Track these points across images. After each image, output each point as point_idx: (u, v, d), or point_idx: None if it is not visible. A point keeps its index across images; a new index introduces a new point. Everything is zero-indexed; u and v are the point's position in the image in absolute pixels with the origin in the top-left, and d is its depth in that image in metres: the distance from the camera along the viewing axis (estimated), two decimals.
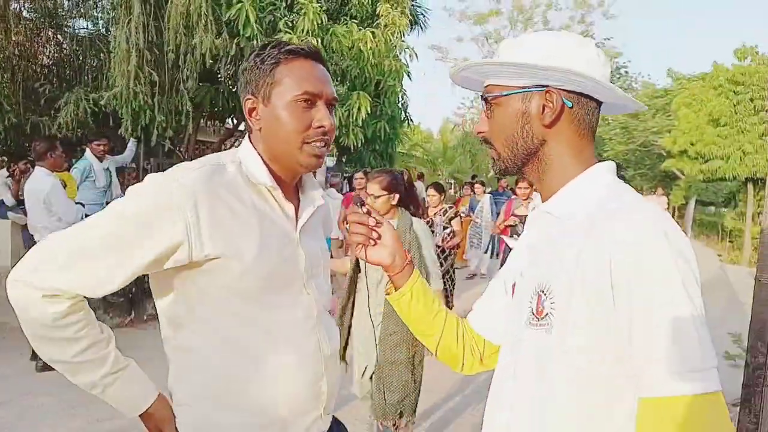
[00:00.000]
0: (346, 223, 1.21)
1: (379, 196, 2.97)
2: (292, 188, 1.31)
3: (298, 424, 1.25)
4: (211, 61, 6.14)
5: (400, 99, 8.71)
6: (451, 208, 6.16)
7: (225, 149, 9.44)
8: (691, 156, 15.70)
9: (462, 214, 9.65)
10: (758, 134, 13.89)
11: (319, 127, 1.20)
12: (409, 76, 8.18)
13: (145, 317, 6.46)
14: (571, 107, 0.99)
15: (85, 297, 1.14)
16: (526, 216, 5.96)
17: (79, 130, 6.66)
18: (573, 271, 0.90)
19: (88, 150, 6.02)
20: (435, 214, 5.99)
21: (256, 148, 1.25)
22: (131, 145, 6.60)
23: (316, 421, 1.29)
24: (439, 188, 6.15)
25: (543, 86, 0.98)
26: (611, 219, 0.88)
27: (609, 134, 26.41)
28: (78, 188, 5.79)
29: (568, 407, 0.91)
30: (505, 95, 1.01)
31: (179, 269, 1.15)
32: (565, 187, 1.00)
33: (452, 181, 23.13)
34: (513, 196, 6.58)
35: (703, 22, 73.40)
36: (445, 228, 5.87)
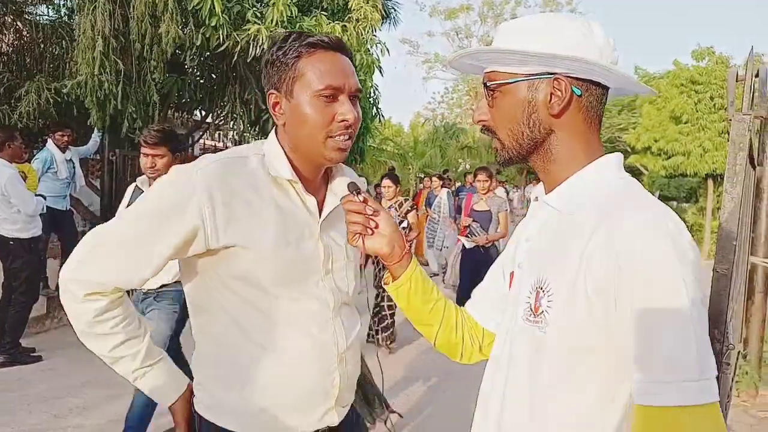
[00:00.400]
0: None
1: None
2: (317, 181, 1.31)
3: (308, 414, 1.27)
4: (178, 52, 6.03)
5: (372, 94, 8.69)
6: (407, 200, 5.89)
7: (193, 141, 9.20)
8: (654, 152, 16.12)
9: (425, 208, 9.43)
10: (718, 132, 14.32)
11: (342, 120, 1.19)
12: (380, 71, 8.17)
13: None
14: (580, 95, 0.94)
15: (124, 293, 1.24)
16: (485, 211, 5.73)
17: (40, 120, 6.46)
18: (576, 271, 0.87)
19: (49, 141, 5.86)
20: (390, 207, 5.67)
21: (280, 142, 1.26)
22: (95, 135, 6.44)
23: (328, 412, 1.29)
24: (394, 179, 5.83)
25: (551, 74, 0.93)
26: (615, 218, 0.85)
27: None
28: (39, 180, 5.63)
29: (561, 406, 0.90)
30: (511, 83, 0.96)
31: (200, 256, 1.20)
32: (570, 179, 0.96)
33: (422, 175, 23.21)
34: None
35: (666, 19, 75.24)
36: (400, 223, 5.56)
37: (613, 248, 0.83)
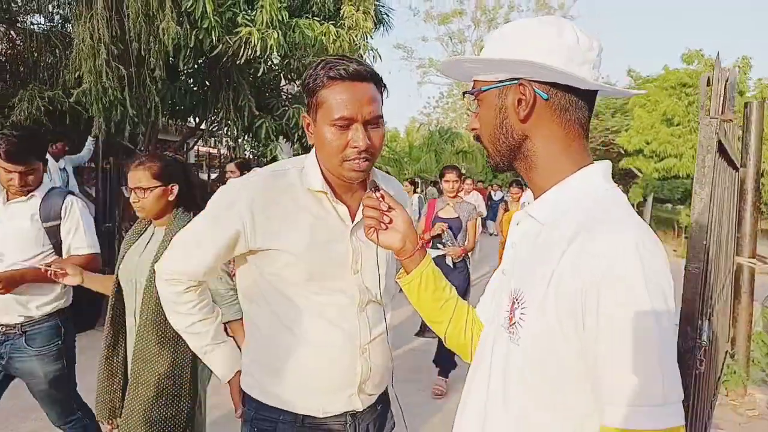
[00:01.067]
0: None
1: (148, 188, 2.11)
2: (351, 191, 1.45)
3: (332, 399, 1.43)
4: (172, 59, 6.05)
5: None
6: None
7: (188, 148, 9.17)
8: (646, 155, 16.24)
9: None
10: None
11: (355, 147, 1.32)
12: None
13: None
14: (547, 99, 0.94)
15: (200, 282, 1.52)
16: (453, 219, 4.81)
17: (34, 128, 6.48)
18: (546, 289, 0.87)
19: None
20: None
21: (317, 157, 1.42)
22: (89, 143, 6.47)
23: (352, 398, 1.44)
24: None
25: (515, 79, 0.95)
26: (589, 238, 0.84)
27: None
28: None
29: (531, 419, 0.91)
30: (484, 90, 1.00)
31: (246, 254, 1.42)
32: (552, 189, 0.96)
33: (419, 180, 23.29)
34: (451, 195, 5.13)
35: (655, 23, 75.71)
36: None
37: (583, 269, 0.83)
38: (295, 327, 1.39)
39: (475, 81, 1.03)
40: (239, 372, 1.60)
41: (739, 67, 17.20)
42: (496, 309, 1.04)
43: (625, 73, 23.57)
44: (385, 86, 1.41)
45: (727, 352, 4.25)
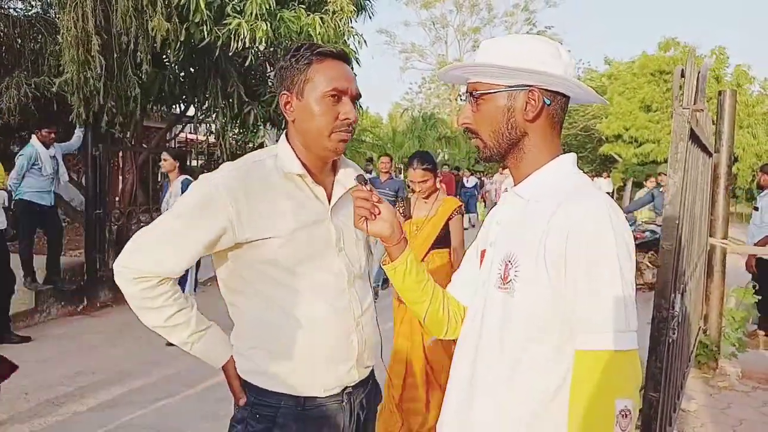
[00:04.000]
0: None
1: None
2: (324, 173, 1.51)
3: (332, 372, 1.47)
4: (157, 47, 6.07)
5: None
6: None
7: (174, 134, 9.15)
8: (625, 140, 16.55)
9: None
10: None
11: (345, 118, 1.40)
12: (357, 62, 8.30)
13: (98, 304, 6.41)
14: (549, 104, 1.16)
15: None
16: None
17: (19, 116, 6.44)
18: (537, 247, 1.07)
19: (34, 137, 5.92)
20: None
21: (290, 142, 1.48)
22: (78, 131, 6.48)
23: (351, 371, 1.49)
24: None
25: (528, 86, 1.14)
26: (570, 204, 1.06)
27: None
28: (24, 176, 5.71)
29: (529, 352, 1.11)
30: (494, 92, 1.16)
31: (230, 248, 1.42)
32: (535, 174, 1.17)
33: (401, 166, 23.40)
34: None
35: (634, 7, 76.16)
36: None
37: (566, 227, 1.04)
38: (292, 309, 1.43)
39: (478, 83, 1.18)
40: (231, 360, 1.53)
41: (715, 54, 17.57)
42: (486, 277, 1.22)
43: (602, 61, 23.94)
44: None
45: (700, 327, 4.48)
